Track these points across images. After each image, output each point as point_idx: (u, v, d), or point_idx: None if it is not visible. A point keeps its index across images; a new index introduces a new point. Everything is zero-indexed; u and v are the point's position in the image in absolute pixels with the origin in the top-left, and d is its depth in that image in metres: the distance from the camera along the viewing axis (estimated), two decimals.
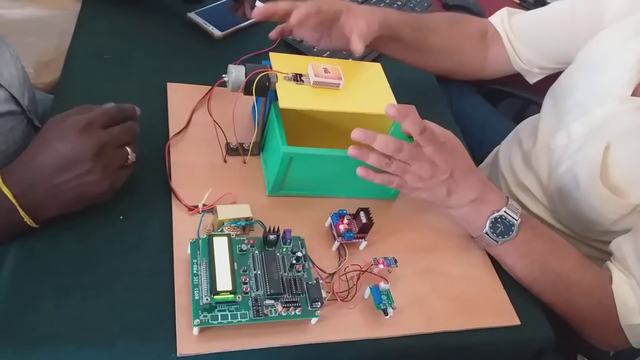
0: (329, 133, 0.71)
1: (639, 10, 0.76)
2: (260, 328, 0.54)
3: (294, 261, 0.58)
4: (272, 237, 0.58)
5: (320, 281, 0.57)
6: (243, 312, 0.53)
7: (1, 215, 0.52)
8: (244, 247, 0.58)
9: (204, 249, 0.56)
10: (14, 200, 0.51)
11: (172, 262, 0.57)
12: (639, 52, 0.72)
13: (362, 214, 0.63)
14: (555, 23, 0.87)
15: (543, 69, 0.89)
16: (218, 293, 0.51)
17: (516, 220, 0.64)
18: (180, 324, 0.53)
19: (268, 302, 0.54)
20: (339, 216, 0.64)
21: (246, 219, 0.61)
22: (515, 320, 0.65)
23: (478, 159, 0.93)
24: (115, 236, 0.59)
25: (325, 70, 0.67)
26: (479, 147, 1.08)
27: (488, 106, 1.25)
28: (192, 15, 0.91)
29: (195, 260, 0.56)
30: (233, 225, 0.60)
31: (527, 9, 1.40)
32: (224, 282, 0.52)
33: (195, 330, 0.52)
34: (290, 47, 0.93)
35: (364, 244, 0.65)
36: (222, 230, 0.59)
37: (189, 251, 0.57)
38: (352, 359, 0.58)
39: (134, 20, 0.87)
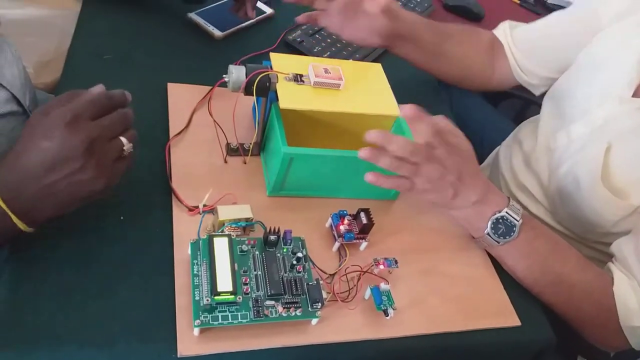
0: (329, 133, 0.70)
1: (639, 10, 0.76)
2: (260, 329, 0.54)
3: (294, 262, 0.58)
4: (272, 237, 0.58)
5: (321, 282, 0.57)
6: (243, 312, 0.53)
7: None
8: (244, 247, 0.58)
9: (204, 249, 0.56)
10: (3, 205, 0.48)
11: (173, 263, 0.57)
12: (639, 52, 0.72)
13: (362, 214, 0.63)
14: (555, 32, 0.87)
15: (546, 79, 0.88)
16: (219, 294, 0.51)
17: (517, 221, 0.64)
18: (180, 324, 0.53)
19: (268, 302, 0.54)
20: (340, 217, 0.64)
21: (247, 219, 0.61)
22: (515, 321, 0.65)
23: (478, 160, 0.93)
24: (115, 237, 0.59)
25: (326, 71, 0.67)
26: (479, 148, 1.08)
27: (488, 106, 1.25)
28: (193, 15, 0.91)
29: (195, 261, 0.55)
30: (233, 225, 0.60)
31: (528, 9, 1.41)
32: (224, 282, 0.52)
33: (196, 330, 0.52)
34: (291, 47, 0.93)
35: (364, 244, 0.65)
36: (222, 231, 0.59)
37: (189, 252, 0.57)
38: None
39: (135, 20, 0.87)
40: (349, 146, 0.68)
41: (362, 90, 0.70)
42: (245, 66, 0.64)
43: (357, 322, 0.59)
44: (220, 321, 0.52)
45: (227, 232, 0.59)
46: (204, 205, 0.62)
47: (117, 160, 0.53)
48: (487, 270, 0.70)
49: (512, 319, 0.65)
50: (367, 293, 0.59)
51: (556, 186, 0.79)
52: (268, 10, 0.97)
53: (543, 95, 0.89)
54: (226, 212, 0.60)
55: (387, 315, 0.58)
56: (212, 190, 0.62)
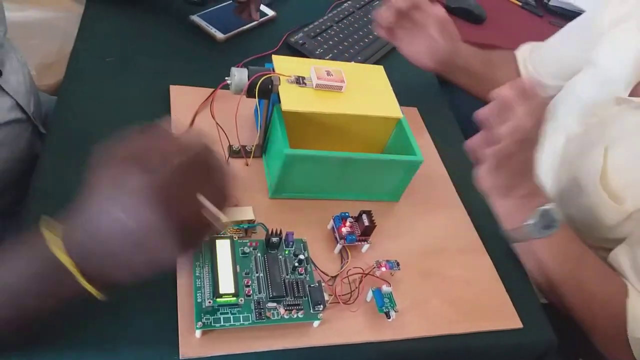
0: (331, 135, 0.71)
1: (637, 14, 0.77)
2: (262, 331, 0.54)
3: (296, 264, 0.58)
4: (274, 239, 0.58)
5: (323, 284, 0.57)
6: (245, 315, 0.53)
7: (63, 289, 0.43)
8: (246, 249, 0.58)
9: (206, 251, 0.56)
10: (75, 271, 0.41)
11: (175, 265, 0.57)
12: (636, 53, 0.72)
13: (364, 216, 0.63)
14: (564, 41, 0.91)
15: (553, 87, 0.90)
16: (220, 296, 0.51)
17: (559, 218, 0.64)
18: (182, 326, 0.53)
19: (270, 305, 0.54)
20: (341, 219, 0.65)
21: (249, 221, 0.61)
22: (517, 323, 0.65)
23: None
24: None
25: (328, 73, 0.67)
26: None
27: None
28: (195, 17, 0.91)
29: (197, 263, 0.56)
30: (235, 227, 0.60)
31: (529, 11, 1.41)
32: (226, 284, 0.52)
33: (198, 333, 0.52)
34: (293, 49, 0.93)
35: (366, 246, 0.65)
36: (224, 233, 0.59)
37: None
38: None
39: (137, 22, 0.87)
40: (351, 148, 0.68)
41: (364, 93, 0.70)
42: (248, 68, 0.64)
43: (358, 325, 0.59)
44: (222, 323, 0.52)
45: (229, 234, 0.59)
46: None
47: (203, 231, 0.44)
48: (489, 272, 0.70)
49: (513, 321, 0.65)
50: (369, 295, 0.59)
51: (556, 188, 0.79)
52: (270, 13, 0.98)
53: None
54: (228, 214, 0.60)
55: (389, 318, 0.58)
56: None
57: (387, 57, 0.99)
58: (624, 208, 0.70)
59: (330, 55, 0.93)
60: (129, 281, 0.44)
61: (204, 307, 0.52)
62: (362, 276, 0.60)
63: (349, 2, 1.08)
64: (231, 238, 0.56)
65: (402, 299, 0.61)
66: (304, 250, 0.60)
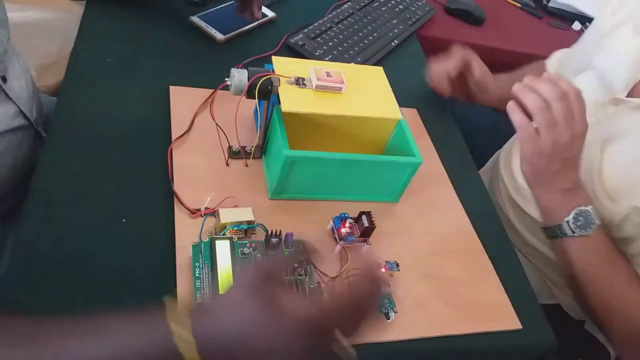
0: (331, 137, 0.71)
1: (633, 17, 0.79)
2: None
3: (295, 265, 0.58)
4: (274, 240, 0.58)
5: (322, 285, 0.57)
6: None
7: None
8: (246, 250, 0.58)
9: (206, 252, 0.56)
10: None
11: (175, 266, 0.57)
12: (634, 54, 0.73)
13: (364, 217, 0.63)
14: (578, 47, 0.94)
15: None
16: None
17: (596, 220, 0.67)
18: None
19: None
20: (341, 220, 0.65)
21: (248, 222, 0.61)
22: (516, 325, 0.65)
23: (479, 164, 0.94)
24: (117, 239, 0.59)
25: (328, 74, 0.67)
26: (480, 152, 1.08)
27: (489, 110, 1.25)
28: (195, 18, 0.91)
29: (197, 264, 0.56)
30: (235, 228, 0.60)
31: (529, 13, 1.41)
32: (226, 285, 0.52)
33: None
34: (293, 50, 0.93)
35: (365, 247, 0.65)
36: (224, 234, 0.59)
37: (191, 254, 0.57)
38: None
39: (137, 23, 0.87)
40: (351, 149, 0.68)
41: (364, 94, 0.70)
42: (248, 69, 0.64)
43: None
44: None
45: (228, 235, 0.59)
46: (206, 208, 0.62)
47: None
48: (488, 273, 0.70)
49: (513, 322, 0.65)
50: None
51: None
52: (270, 14, 0.98)
53: None
54: (228, 215, 0.60)
55: (389, 319, 0.58)
56: (213, 193, 0.62)
57: (386, 58, 1.00)
58: (618, 208, 0.70)
59: (330, 56, 0.93)
60: None
61: None
62: None
63: (349, 4, 1.08)
64: (231, 239, 0.56)
65: (401, 299, 0.61)
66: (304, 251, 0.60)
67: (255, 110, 0.75)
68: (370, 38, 1.00)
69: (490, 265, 0.70)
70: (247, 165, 0.71)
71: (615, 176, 0.71)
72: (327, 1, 1.08)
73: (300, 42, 0.93)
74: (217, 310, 0.41)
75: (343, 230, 0.63)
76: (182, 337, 0.39)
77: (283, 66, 0.68)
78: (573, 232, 0.68)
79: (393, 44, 1.03)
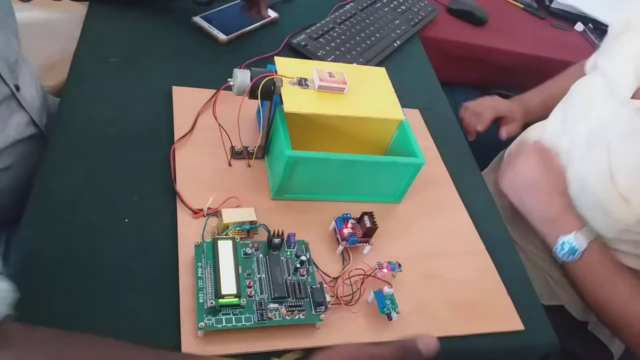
0: (333, 137, 0.71)
1: (634, 26, 0.80)
2: (264, 332, 0.54)
3: (298, 265, 0.58)
4: (276, 240, 0.58)
5: (324, 285, 0.57)
6: (247, 315, 0.53)
7: None
8: (248, 250, 0.58)
9: (208, 252, 0.56)
10: None
11: (177, 266, 0.58)
12: (638, 58, 0.74)
13: (366, 218, 0.63)
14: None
15: None
16: (222, 296, 0.51)
17: (580, 247, 0.71)
18: (184, 327, 0.53)
19: (272, 305, 0.54)
20: (343, 220, 0.65)
21: (251, 222, 0.61)
22: (519, 326, 0.65)
23: (482, 164, 0.94)
24: (120, 239, 0.59)
25: (330, 75, 0.67)
26: (483, 152, 1.08)
27: None
28: (198, 19, 0.91)
29: (199, 264, 0.56)
30: (237, 228, 0.60)
31: (531, 14, 1.41)
32: (228, 285, 0.52)
33: (200, 333, 0.52)
34: (295, 51, 0.93)
35: (368, 248, 0.65)
36: (226, 234, 0.59)
37: (193, 254, 0.57)
38: None
39: (140, 23, 0.87)
40: (353, 150, 0.68)
41: (366, 94, 0.70)
42: (250, 70, 0.64)
43: (360, 326, 0.59)
44: (224, 324, 0.52)
45: (231, 235, 0.59)
46: (208, 208, 0.62)
47: None
48: (491, 274, 0.70)
49: (515, 324, 0.65)
50: (371, 297, 0.59)
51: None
52: (273, 14, 0.98)
53: None
54: (230, 215, 0.60)
55: (391, 319, 0.58)
56: (216, 193, 0.63)
57: (389, 59, 1.00)
58: (632, 209, 0.70)
59: (333, 57, 0.93)
60: None
61: (206, 307, 0.52)
62: (363, 277, 0.60)
63: (352, 4, 1.08)
64: (233, 239, 0.56)
65: (403, 300, 0.61)
66: (306, 252, 0.60)
67: (258, 111, 0.75)
68: (373, 39, 1.00)
69: (493, 266, 0.70)
70: (249, 166, 0.71)
71: (626, 178, 0.71)
72: (329, 2, 1.08)
73: (303, 43, 0.93)
74: None
75: (345, 230, 0.63)
76: None
77: (285, 67, 0.68)
78: (561, 259, 0.73)
79: (395, 44, 1.03)
